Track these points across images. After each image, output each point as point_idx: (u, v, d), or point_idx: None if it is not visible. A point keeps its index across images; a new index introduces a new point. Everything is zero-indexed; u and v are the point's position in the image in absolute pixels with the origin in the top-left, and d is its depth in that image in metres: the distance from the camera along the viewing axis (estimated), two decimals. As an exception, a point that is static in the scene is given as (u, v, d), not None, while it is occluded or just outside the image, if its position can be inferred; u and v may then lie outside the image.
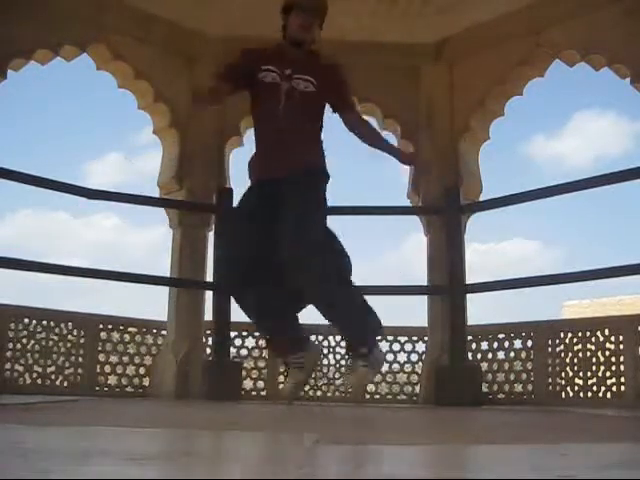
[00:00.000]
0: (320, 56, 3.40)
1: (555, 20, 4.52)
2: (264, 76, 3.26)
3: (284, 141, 3.21)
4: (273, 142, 3.25)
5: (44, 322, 4.47)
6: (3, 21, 4.29)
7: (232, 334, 4.75)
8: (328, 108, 3.39)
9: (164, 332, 4.88)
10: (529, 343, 4.54)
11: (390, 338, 4.85)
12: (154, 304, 5.36)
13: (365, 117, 5.14)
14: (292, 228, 3.05)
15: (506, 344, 4.62)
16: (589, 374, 4.27)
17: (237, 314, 4.70)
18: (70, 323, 4.56)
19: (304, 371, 3.34)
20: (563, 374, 4.39)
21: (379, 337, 3.39)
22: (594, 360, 4.27)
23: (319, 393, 4.84)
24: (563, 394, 4.36)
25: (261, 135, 3.34)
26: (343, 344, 4.86)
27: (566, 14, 4.46)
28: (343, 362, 4.86)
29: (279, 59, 3.30)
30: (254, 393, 4.80)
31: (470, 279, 4.67)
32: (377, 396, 4.85)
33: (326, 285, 3.13)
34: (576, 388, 4.32)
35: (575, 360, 4.34)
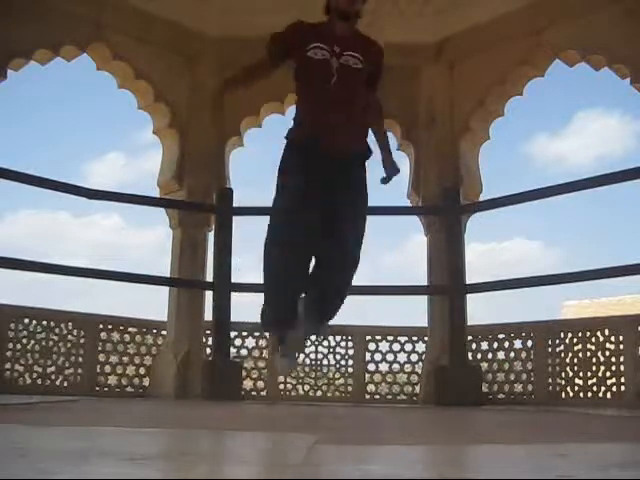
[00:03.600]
0: (363, 34, 3.36)
1: (555, 20, 4.52)
2: (314, 53, 3.24)
3: (336, 118, 3.18)
4: (324, 118, 3.19)
5: (44, 322, 4.47)
6: (3, 21, 4.29)
7: (232, 334, 4.75)
8: None
9: (164, 332, 4.89)
10: (529, 343, 4.53)
11: (390, 338, 4.85)
12: (154, 304, 5.37)
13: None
14: (351, 221, 3.13)
15: (506, 344, 4.62)
16: (589, 374, 4.27)
17: (237, 314, 4.73)
18: (70, 323, 4.56)
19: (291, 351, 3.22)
20: (563, 374, 4.39)
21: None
22: (594, 360, 4.26)
23: (319, 393, 4.84)
24: (563, 394, 4.36)
25: (310, 110, 3.27)
26: (338, 338, 4.86)
27: (566, 14, 4.46)
28: (343, 362, 4.86)
29: (327, 35, 3.27)
30: (254, 393, 4.80)
31: (470, 279, 4.67)
32: (377, 396, 4.85)
33: (348, 281, 3.19)
34: (576, 388, 4.32)
35: (575, 360, 4.34)
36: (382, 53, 3.37)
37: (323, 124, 3.18)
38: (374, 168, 3.32)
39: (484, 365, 4.66)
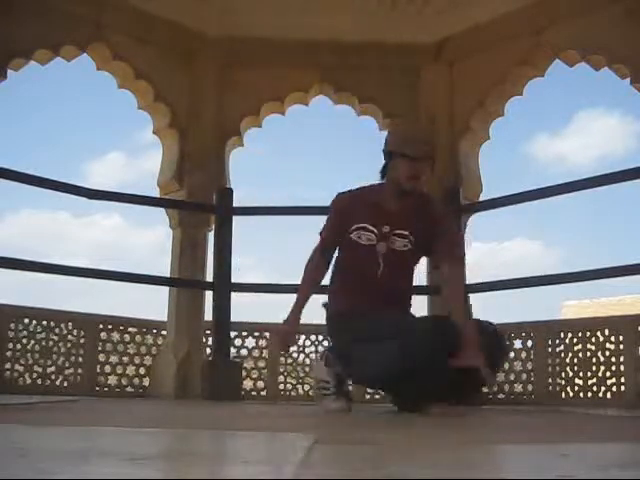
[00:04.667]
0: (421, 197, 3.05)
1: (555, 20, 4.53)
2: (359, 236, 2.97)
3: (384, 303, 3.00)
4: (372, 302, 3.01)
5: (44, 322, 4.47)
6: (3, 21, 4.29)
7: (232, 334, 4.75)
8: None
9: (164, 332, 4.89)
10: (529, 343, 4.53)
11: (390, 338, 4.85)
12: (154, 304, 5.37)
13: (365, 117, 5.17)
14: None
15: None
16: (589, 374, 4.27)
17: (237, 314, 4.73)
18: (70, 323, 4.56)
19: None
20: (563, 374, 4.39)
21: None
22: (594, 360, 4.26)
23: (319, 393, 4.84)
24: (563, 394, 4.36)
25: (352, 300, 3.06)
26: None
27: (566, 14, 4.47)
28: (343, 362, 4.85)
29: (378, 210, 2.98)
30: (254, 393, 4.80)
31: (470, 279, 4.66)
32: (377, 396, 4.84)
33: None
34: (576, 388, 4.32)
35: (575, 360, 4.34)
36: (439, 212, 3.11)
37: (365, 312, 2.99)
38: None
39: (484, 365, 4.65)
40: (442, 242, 3.04)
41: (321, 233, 3.17)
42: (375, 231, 2.97)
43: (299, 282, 3.22)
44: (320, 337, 4.86)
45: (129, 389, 4.74)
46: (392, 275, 2.98)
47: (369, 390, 4.87)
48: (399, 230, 2.98)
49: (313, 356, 4.86)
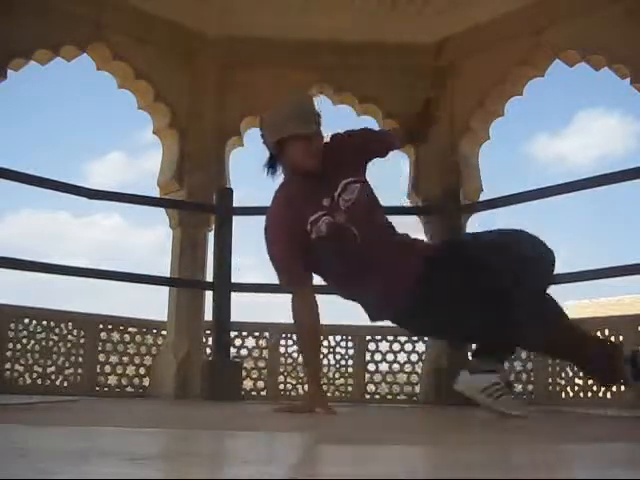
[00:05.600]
0: (329, 149, 2.85)
1: (555, 20, 4.53)
2: (318, 229, 2.76)
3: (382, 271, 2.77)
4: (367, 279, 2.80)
5: (44, 322, 4.48)
6: (3, 21, 4.29)
7: (232, 334, 4.75)
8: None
9: (164, 332, 4.89)
10: (529, 343, 4.53)
11: (390, 338, 4.86)
12: (154, 304, 5.37)
13: (365, 117, 5.17)
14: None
15: (506, 344, 4.62)
16: (589, 374, 4.27)
17: (237, 314, 4.73)
18: (70, 323, 4.56)
19: None
20: (563, 374, 4.39)
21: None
22: (594, 360, 4.26)
23: (319, 393, 4.84)
24: (563, 394, 4.36)
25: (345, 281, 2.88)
26: (338, 338, 4.85)
27: (566, 14, 4.47)
28: (343, 362, 4.86)
29: (307, 200, 2.79)
30: (254, 393, 4.80)
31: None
32: (377, 396, 4.85)
33: None
34: (576, 388, 4.32)
35: (575, 360, 4.33)
36: (354, 139, 2.98)
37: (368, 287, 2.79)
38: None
39: (484, 365, 4.65)
40: (388, 149, 3.17)
41: (281, 270, 2.93)
42: (322, 212, 2.78)
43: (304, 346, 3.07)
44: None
45: (129, 389, 4.74)
46: (363, 223, 2.78)
47: (368, 390, 4.87)
48: (337, 188, 2.80)
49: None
